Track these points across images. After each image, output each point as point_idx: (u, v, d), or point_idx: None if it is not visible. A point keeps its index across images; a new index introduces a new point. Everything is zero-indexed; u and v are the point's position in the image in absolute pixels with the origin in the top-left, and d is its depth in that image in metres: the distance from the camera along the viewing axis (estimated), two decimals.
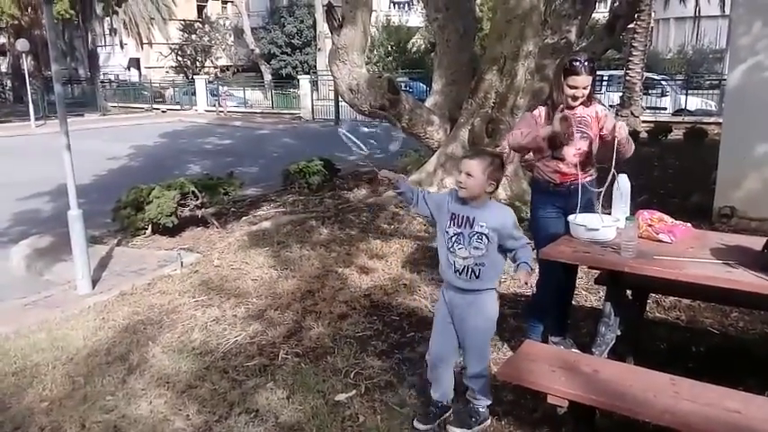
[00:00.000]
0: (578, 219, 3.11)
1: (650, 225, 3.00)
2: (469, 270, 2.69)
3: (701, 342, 3.64)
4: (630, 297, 3.35)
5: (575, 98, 3.18)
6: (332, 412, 2.99)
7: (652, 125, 15.04)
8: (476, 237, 2.66)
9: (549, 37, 8.19)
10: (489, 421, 2.85)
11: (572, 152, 3.27)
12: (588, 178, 3.35)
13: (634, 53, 15.11)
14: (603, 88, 19.81)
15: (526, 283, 2.64)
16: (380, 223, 6.35)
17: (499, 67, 6.72)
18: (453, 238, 2.71)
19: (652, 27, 16.77)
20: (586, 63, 3.13)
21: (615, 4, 11.19)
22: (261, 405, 3.11)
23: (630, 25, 13.17)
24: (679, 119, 16.57)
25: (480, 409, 2.84)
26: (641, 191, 7.13)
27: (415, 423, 2.88)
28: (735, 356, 3.47)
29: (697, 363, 3.30)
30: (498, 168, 2.72)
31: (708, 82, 21.18)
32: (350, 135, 2.99)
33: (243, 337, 3.89)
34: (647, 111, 17.20)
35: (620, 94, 16.04)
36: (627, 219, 2.82)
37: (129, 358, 3.70)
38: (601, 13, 20.14)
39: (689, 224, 3.19)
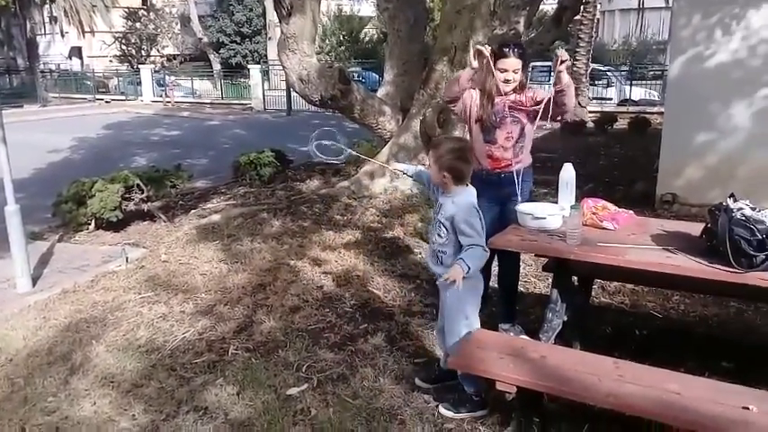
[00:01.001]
0: (525, 207, 3.16)
1: (594, 213, 3.07)
2: (437, 255, 2.88)
3: (645, 325, 3.76)
4: (576, 283, 3.43)
5: (506, 81, 3.27)
6: (283, 407, 2.96)
7: (598, 115, 15.45)
8: (438, 224, 2.83)
9: (498, 28, 8.24)
10: (483, 412, 2.85)
11: (503, 135, 3.36)
12: (520, 165, 3.39)
13: (580, 44, 15.44)
14: (552, 78, 20.25)
15: (454, 282, 2.62)
16: (333, 214, 6.31)
17: (450, 57, 6.76)
18: (432, 223, 2.94)
19: (598, 19, 17.15)
20: (515, 48, 3.28)
21: None
22: (210, 402, 3.05)
23: (577, 17, 13.45)
24: (624, 109, 17.08)
25: (469, 395, 2.86)
26: (588, 179, 7.34)
27: (417, 380, 3.13)
28: (676, 338, 3.60)
29: (641, 345, 3.41)
30: (454, 159, 2.71)
31: (651, 73, 21.88)
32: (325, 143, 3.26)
33: (191, 333, 3.81)
34: (594, 101, 17.64)
35: None
36: (572, 207, 2.88)
37: (71, 358, 3.57)
38: (549, 5, 20.51)
39: (631, 211, 3.28)
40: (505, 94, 3.32)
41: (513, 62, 3.25)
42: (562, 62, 3.09)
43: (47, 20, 29.44)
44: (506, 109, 3.33)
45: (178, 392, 3.14)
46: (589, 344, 3.21)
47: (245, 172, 8.05)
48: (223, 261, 5.07)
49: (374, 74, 22.05)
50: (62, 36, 32.44)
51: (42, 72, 29.44)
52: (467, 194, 2.79)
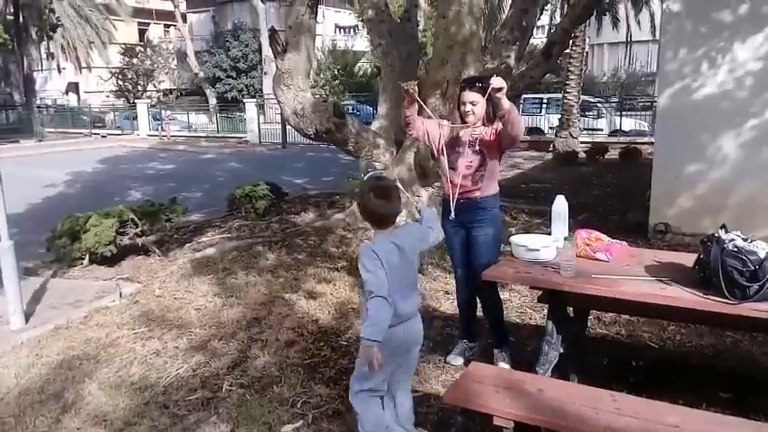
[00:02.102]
0: (519, 239, 3.18)
1: (588, 244, 3.09)
2: None
3: (641, 356, 3.75)
4: (572, 314, 3.43)
5: (466, 113, 3.46)
6: None
7: (589, 146, 15.64)
8: None
9: (489, 62, 8.41)
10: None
11: (464, 164, 3.49)
12: (478, 193, 3.49)
13: (570, 77, 15.72)
14: (543, 110, 20.53)
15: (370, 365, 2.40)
16: (328, 247, 6.31)
17: (442, 91, 6.85)
18: None
19: (587, 52, 17.54)
20: (475, 82, 3.49)
21: (552, 31, 11.64)
22: None
23: (567, 50, 13.71)
24: (614, 139, 17.30)
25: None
26: (581, 209, 7.39)
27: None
28: (673, 369, 3.59)
29: (638, 377, 3.39)
30: (367, 202, 2.54)
31: (641, 104, 22.25)
32: None
33: (185, 369, 3.76)
34: (585, 132, 17.88)
35: (559, 116, 16.61)
36: (565, 239, 2.90)
37: (63, 396, 3.51)
38: (538, 39, 20.92)
39: (625, 242, 3.30)
40: (471, 125, 3.48)
41: (469, 95, 3.44)
42: (497, 90, 3.16)
43: (44, 56, 29.74)
44: (469, 139, 3.47)
45: (171, 431, 3.10)
46: (586, 376, 3.20)
47: (241, 205, 8.07)
48: (218, 295, 5.05)
49: (368, 107, 22.31)
50: (59, 72, 32.81)
51: (39, 107, 29.68)
52: (380, 242, 2.52)
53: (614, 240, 3.22)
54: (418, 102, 3.41)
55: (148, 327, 4.46)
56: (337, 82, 29.73)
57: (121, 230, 6.05)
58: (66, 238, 6.03)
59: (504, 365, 3.55)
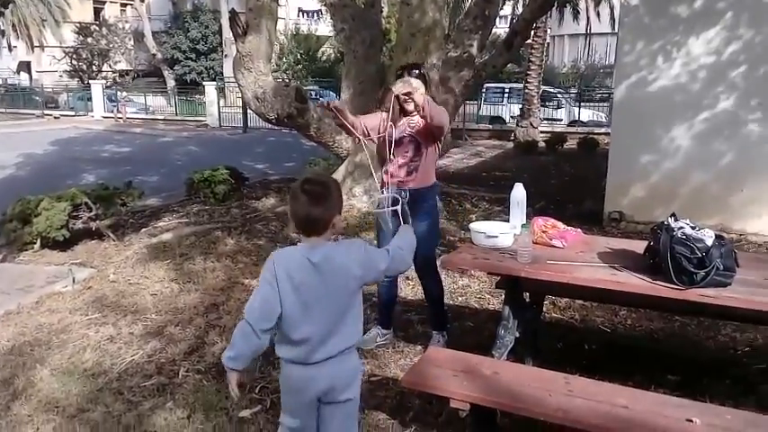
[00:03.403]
0: (479, 226, 3.22)
1: (544, 231, 3.15)
2: None
3: (594, 340, 3.86)
4: (528, 300, 3.50)
5: (405, 102, 3.38)
6: (236, 430, 2.90)
7: (549, 135, 15.92)
8: None
9: (452, 50, 8.44)
10: None
11: (400, 153, 3.46)
12: (412, 184, 3.47)
13: (532, 67, 15.93)
14: (505, 100, 20.76)
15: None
16: (289, 232, 6.27)
17: None
18: None
19: (548, 43, 17.76)
20: (411, 70, 3.39)
21: (514, 21, 11.73)
22: (159, 426, 2.96)
23: (528, 41, 13.87)
24: (573, 129, 17.64)
25: None
26: (539, 197, 7.52)
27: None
28: (624, 352, 3.70)
29: (590, 360, 3.49)
30: (291, 202, 2.10)
31: (599, 95, 22.72)
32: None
33: (140, 355, 3.70)
34: (545, 122, 18.17)
35: (520, 105, 16.83)
36: (522, 226, 2.95)
37: (13, 383, 3.41)
38: (501, 29, 21.07)
39: (579, 230, 3.38)
40: (410, 114, 3.45)
41: (398, 86, 3.35)
42: (405, 97, 3.26)
43: None
44: (407, 129, 3.47)
45: (125, 417, 3.04)
46: (541, 359, 3.28)
47: (199, 189, 7.92)
48: (174, 281, 4.97)
49: (332, 93, 22.15)
50: (9, 50, 31.50)
51: None
52: (289, 252, 2.12)
53: (569, 228, 3.29)
54: (340, 116, 3.30)
55: (102, 312, 4.36)
56: (300, 66, 29.40)
57: (74, 214, 5.87)
58: (16, 222, 5.83)
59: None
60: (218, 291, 4.70)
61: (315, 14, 36.18)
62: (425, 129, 3.40)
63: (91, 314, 4.35)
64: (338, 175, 7.45)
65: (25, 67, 35.24)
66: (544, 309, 3.95)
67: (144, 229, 6.62)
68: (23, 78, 34.89)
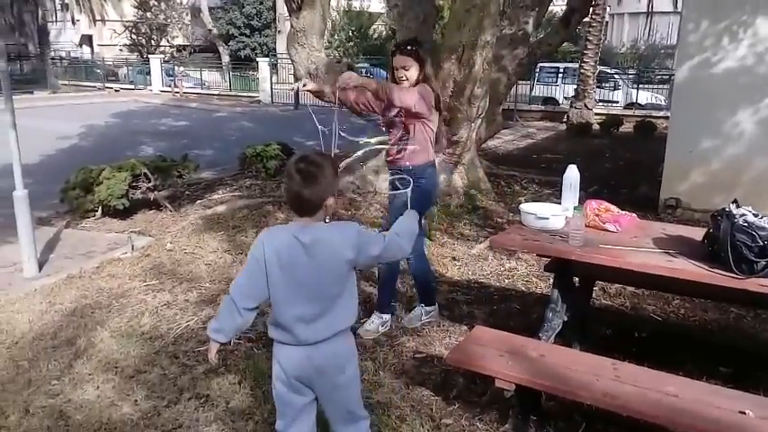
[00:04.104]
0: (529, 207, 3.19)
1: (597, 215, 3.09)
2: None
3: (644, 328, 3.79)
4: (578, 284, 3.46)
5: (400, 79, 3.40)
6: None
7: (604, 117, 15.45)
8: None
9: (506, 28, 8.28)
10: None
11: (394, 132, 3.45)
12: (403, 162, 3.44)
13: (588, 47, 15.43)
14: (559, 80, 20.22)
15: None
16: (337, 209, 6.34)
17: (457, 56, 6.76)
18: None
19: (606, 21, 17.15)
20: (406, 47, 3.43)
21: None
22: (212, 390, 3.09)
23: (586, 19, 13.44)
24: (630, 112, 17.05)
25: None
26: (592, 181, 7.35)
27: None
28: (676, 342, 3.62)
29: (640, 348, 3.43)
30: (286, 179, 2.07)
31: (659, 77, 21.84)
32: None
33: (194, 321, 3.85)
34: (600, 103, 17.62)
35: (575, 86, 16.37)
36: (575, 208, 2.90)
37: (76, 342, 3.61)
38: (559, 6, 20.47)
39: (634, 214, 3.30)
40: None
41: (401, 59, 3.39)
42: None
43: (58, 7, 29.50)
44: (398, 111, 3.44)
45: (180, 380, 3.18)
46: (588, 345, 3.25)
47: (252, 164, 8.09)
48: (228, 251, 5.12)
49: (382, 70, 22.04)
50: (73, 24, 32.57)
51: (53, 59, 29.63)
52: (278, 231, 2.12)
53: (624, 212, 3.22)
54: (316, 91, 3.38)
55: (159, 279, 4.55)
56: (351, 44, 29.33)
57: (134, 184, 6.10)
58: (79, 190, 6.10)
59: (415, 323, 3.71)
60: None
61: None
62: (413, 114, 3.38)
63: (149, 280, 4.54)
64: (382, 154, 7.46)
65: (87, 40, 36.40)
66: (594, 294, 3.89)
67: (199, 201, 6.83)
68: (86, 51, 36.07)
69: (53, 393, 3.11)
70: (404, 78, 3.39)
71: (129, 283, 4.52)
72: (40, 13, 26.83)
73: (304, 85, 3.41)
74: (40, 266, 4.92)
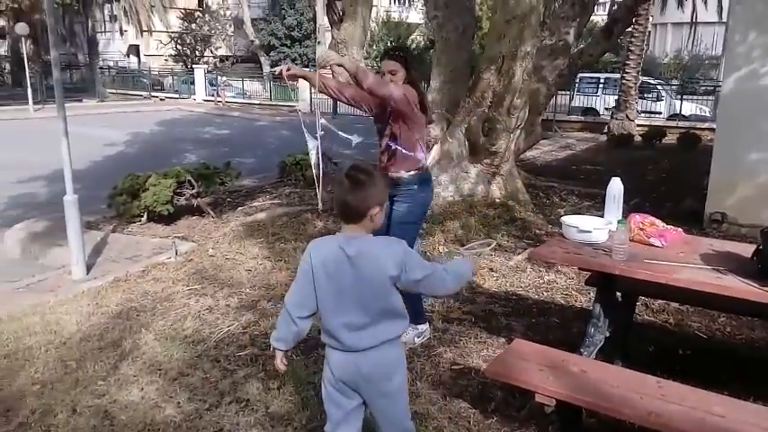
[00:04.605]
0: (571, 220, 3.15)
1: (642, 229, 3.04)
2: None
3: (689, 345, 3.69)
4: (620, 299, 3.40)
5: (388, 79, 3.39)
6: (322, 403, 3.01)
7: (646, 129, 15.16)
8: None
9: (547, 38, 8.23)
10: None
11: (382, 139, 3.48)
12: (393, 169, 3.40)
13: (631, 57, 15.18)
14: (600, 90, 19.93)
15: None
16: None
17: (497, 66, 6.75)
18: None
19: (649, 31, 16.82)
20: (395, 52, 3.47)
21: (614, 8, 11.23)
22: (251, 395, 3.14)
23: (628, 29, 13.24)
24: (673, 123, 16.69)
25: None
26: (634, 194, 7.22)
27: None
28: (721, 361, 3.52)
29: (684, 366, 3.34)
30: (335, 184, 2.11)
31: (703, 88, 21.31)
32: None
33: (235, 326, 3.92)
34: (642, 114, 17.30)
35: (616, 97, 16.12)
36: (619, 222, 2.86)
37: (121, 344, 3.72)
38: (599, 16, 20.21)
39: (680, 229, 3.23)
40: None
41: (389, 64, 3.39)
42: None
43: (107, 18, 30.61)
44: (388, 113, 3.43)
45: (221, 384, 3.24)
46: (630, 361, 3.18)
47: (291, 172, 8.21)
48: (267, 258, 5.20)
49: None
50: (121, 34, 33.72)
51: (101, 68, 30.65)
52: (326, 241, 2.14)
53: (669, 226, 3.16)
54: (299, 76, 3.44)
55: (202, 284, 4.65)
56: None
57: (178, 191, 6.27)
58: (126, 196, 6.30)
59: (411, 342, 3.56)
60: None
61: (406, 1, 36.14)
62: (395, 110, 3.34)
63: (191, 285, 4.65)
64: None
65: (134, 50, 37.56)
66: (636, 310, 3.81)
67: (240, 208, 6.97)
68: (132, 61, 37.21)
69: (99, 393, 3.20)
70: (391, 81, 3.42)
71: (173, 287, 4.63)
72: (90, 24, 27.86)
73: (288, 69, 3.37)
74: (88, 269, 5.08)
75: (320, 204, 3.58)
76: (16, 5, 20.44)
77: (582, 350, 3.01)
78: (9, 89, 26.81)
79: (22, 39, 21.98)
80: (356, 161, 2.38)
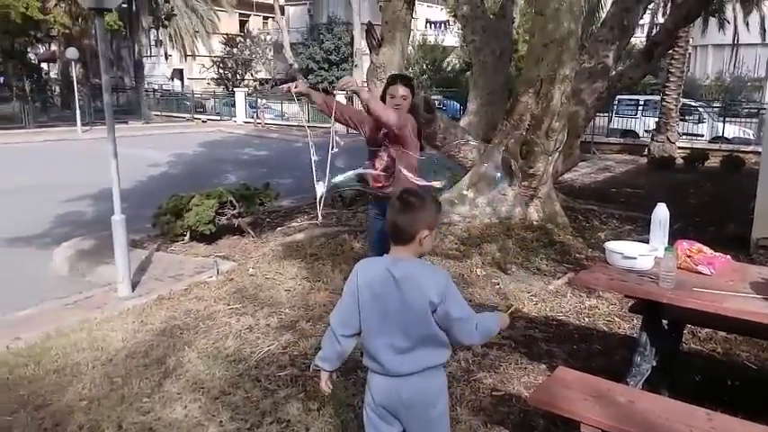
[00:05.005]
0: (615, 246, 3.11)
1: (689, 256, 2.98)
2: None
3: (738, 375, 3.57)
4: (666, 327, 3.32)
5: (397, 106, 3.69)
6: (362, 426, 3.01)
7: (688, 151, 14.86)
8: None
9: (586, 61, 8.19)
10: None
11: (379, 159, 3.73)
12: (391, 189, 3.61)
13: (671, 79, 14.98)
14: (639, 113, 19.66)
15: None
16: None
17: (535, 89, 6.75)
18: None
19: (690, 53, 16.57)
20: (407, 81, 3.84)
21: (654, 31, 11.12)
22: (292, 415, 3.16)
23: (669, 51, 13.08)
24: (716, 146, 16.32)
25: None
26: (676, 218, 7.04)
27: None
28: None
29: (733, 397, 3.24)
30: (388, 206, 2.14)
31: (746, 110, 20.83)
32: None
33: (275, 346, 3.96)
34: (684, 137, 16.98)
35: (656, 119, 15.87)
36: (666, 249, 2.81)
37: (165, 362, 3.79)
38: (638, 38, 19.99)
39: (728, 256, 3.16)
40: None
41: (401, 89, 3.72)
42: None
43: (153, 43, 31.69)
44: (382, 136, 3.69)
45: (263, 403, 3.28)
46: (677, 391, 3.09)
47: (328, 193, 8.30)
48: (306, 279, 5.25)
49: (455, 102, 22.19)
50: (166, 59, 34.87)
51: (146, 91, 31.64)
52: (374, 262, 2.18)
53: (717, 254, 3.09)
54: (304, 94, 3.75)
55: (242, 303, 4.72)
56: (425, 77, 29.74)
57: (220, 211, 6.41)
58: (170, 215, 6.46)
59: None
60: None
61: (442, 25, 36.48)
62: (393, 135, 3.62)
63: (232, 304, 4.73)
64: (462, 185, 7.48)
65: (178, 74, 38.80)
66: (683, 338, 3.72)
67: (279, 228, 7.07)
68: (176, 84, 38.41)
69: (144, 410, 3.26)
70: (400, 106, 3.70)
71: (215, 305, 4.72)
72: (136, 48, 28.85)
73: (296, 87, 3.65)
74: (134, 287, 5.22)
75: (319, 218, 4.14)
76: (67, 31, 21.34)
77: (628, 379, 2.94)
78: (58, 111, 27.86)
79: (72, 63, 22.92)
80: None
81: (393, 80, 3.84)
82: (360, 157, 3.86)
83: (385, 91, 3.83)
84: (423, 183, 3.66)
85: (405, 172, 3.60)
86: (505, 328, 2.25)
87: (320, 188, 3.34)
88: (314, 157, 3.47)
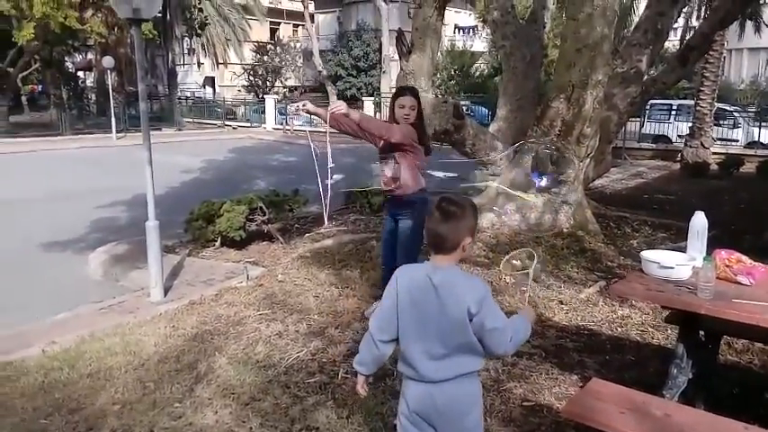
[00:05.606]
0: (651, 255, 3.04)
1: (728, 266, 2.90)
2: None
3: None
4: (703, 338, 3.24)
5: (405, 116, 3.90)
6: None
7: (723, 157, 14.51)
8: None
9: (618, 66, 8.08)
10: None
11: (388, 166, 3.95)
12: (400, 192, 3.93)
13: (705, 83, 14.64)
14: (672, 118, 19.26)
15: None
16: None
17: (567, 95, 6.68)
18: None
19: (724, 57, 16.19)
20: (415, 92, 4.05)
21: (688, 35, 10.90)
22: (321, 423, 3.16)
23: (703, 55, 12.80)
24: (751, 152, 15.90)
25: None
26: (711, 226, 6.88)
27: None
28: None
29: None
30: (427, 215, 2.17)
31: None
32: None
33: (304, 353, 3.98)
34: (718, 142, 16.57)
35: (690, 124, 15.54)
36: (704, 259, 2.74)
37: (197, 367, 3.83)
38: (672, 42, 19.63)
39: None
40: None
41: (410, 100, 3.92)
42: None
43: (186, 52, 32.30)
44: (388, 145, 3.90)
45: (292, 410, 3.29)
46: (713, 404, 3.01)
47: (356, 200, 8.33)
48: (334, 285, 5.27)
49: (483, 108, 22.04)
50: (198, 67, 35.50)
51: (179, 99, 32.19)
52: (414, 268, 2.20)
53: (757, 264, 3.00)
54: (312, 113, 4.00)
55: (272, 309, 4.76)
56: (453, 82, 29.65)
57: (250, 217, 6.47)
58: (201, 221, 6.55)
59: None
60: (374, 298, 4.88)
61: (471, 30, 36.37)
62: (394, 144, 3.86)
63: (262, 309, 4.76)
64: (491, 191, 7.43)
65: (210, 81, 39.42)
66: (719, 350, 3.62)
67: (307, 235, 7.11)
68: (208, 92, 39.01)
69: (176, 416, 3.30)
70: (408, 116, 3.90)
71: (245, 311, 4.76)
72: (169, 57, 29.41)
73: (304, 105, 3.90)
74: (166, 292, 5.30)
75: (326, 221, 4.34)
76: (103, 40, 21.87)
77: (664, 392, 2.87)
78: (94, 118, 28.53)
79: (108, 71, 23.48)
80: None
81: (400, 92, 4.06)
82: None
83: (393, 102, 4.01)
84: (423, 183, 3.97)
85: (407, 175, 3.88)
86: (533, 322, 2.24)
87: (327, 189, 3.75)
88: (330, 164, 3.78)
